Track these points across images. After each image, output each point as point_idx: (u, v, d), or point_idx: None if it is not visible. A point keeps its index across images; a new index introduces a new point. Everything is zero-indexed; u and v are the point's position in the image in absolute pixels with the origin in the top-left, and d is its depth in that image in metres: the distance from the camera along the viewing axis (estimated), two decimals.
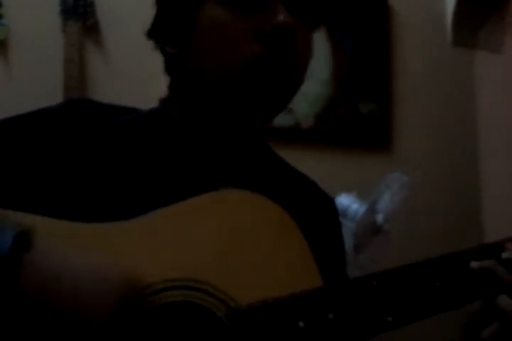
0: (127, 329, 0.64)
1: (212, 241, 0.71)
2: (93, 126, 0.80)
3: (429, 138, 2.38)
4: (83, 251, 0.66)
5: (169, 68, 0.85)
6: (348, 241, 1.83)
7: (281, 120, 2.15)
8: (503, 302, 0.74)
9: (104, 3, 2.14)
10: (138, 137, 0.81)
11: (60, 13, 2.07)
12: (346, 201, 1.92)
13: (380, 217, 1.90)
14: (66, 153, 0.77)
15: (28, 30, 2.09)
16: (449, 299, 0.73)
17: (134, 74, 2.09)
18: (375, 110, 2.32)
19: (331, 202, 0.93)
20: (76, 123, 0.80)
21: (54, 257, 0.63)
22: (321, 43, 2.21)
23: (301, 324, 0.67)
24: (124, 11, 2.17)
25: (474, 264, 0.75)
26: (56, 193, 0.75)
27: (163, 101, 0.86)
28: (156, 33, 0.83)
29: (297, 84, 0.80)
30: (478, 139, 2.38)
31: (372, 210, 1.90)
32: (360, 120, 2.30)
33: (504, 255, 0.76)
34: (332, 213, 0.91)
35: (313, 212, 0.87)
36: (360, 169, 2.26)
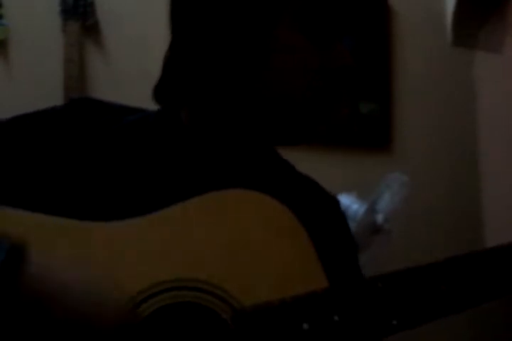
0: (133, 331, 0.64)
1: (217, 241, 0.71)
2: (99, 125, 0.80)
3: (429, 138, 2.38)
4: (82, 255, 0.67)
5: (198, 74, 0.79)
6: None
7: None
8: None
9: (104, 3, 2.15)
10: (145, 137, 0.81)
11: (60, 13, 2.08)
12: (346, 201, 1.92)
13: (380, 217, 1.90)
14: (72, 152, 0.77)
15: (28, 30, 2.09)
16: (454, 303, 0.72)
17: (134, 74, 2.09)
18: (375, 110, 2.32)
19: (335, 202, 0.92)
20: (82, 122, 0.79)
21: (53, 267, 0.63)
22: None
23: (305, 326, 0.67)
24: (124, 11, 2.18)
25: None
26: (61, 192, 0.75)
27: (172, 102, 0.85)
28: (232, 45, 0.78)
29: None
30: (478, 139, 2.38)
31: (372, 210, 1.90)
32: (360, 120, 2.30)
33: None
34: (337, 213, 0.91)
35: (318, 212, 0.86)
36: (360, 169, 2.26)
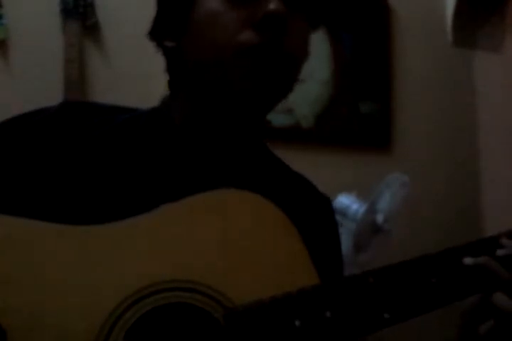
0: (125, 331, 0.64)
1: (210, 241, 0.71)
2: (90, 127, 0.80)
3: (429, 138, 2.38)
4: (80, 260, 0.67)
5: (169, 64, 0.85)
6: (348, 241, 1.83)
7: (281, 120, 2.15)
8: (499, 299, 0.73)
9: (104, 3, 2.14)
10: (137, 136, 0.81)
11: (60, 13, 2.07)
12: (346, 201, 1.92)
13: (380, 217, 1.90)
14: (63, 155, 0.77)
15: (28, 30, 2.09)
16: (445, 295, 0.73)
17: (134, 74, 2.09)
18: (375, 110, 2.32)
19: (327, 201, 0.93)
20: (72, 126, 0.79)
21: None
22: (321, 44, 2.21)
23: (297, 323, 0.67)
24: (124, 11, 2.17)
25: (468, 260, 0.74)
26: (54, 195, 0.75)
27: (164, 100, 0.86)
28: (155, 29, 0.84)
29: (292, 75, 0.80)
30: (478, 139, 2.38)
31: (372, 210, 1.90)
32: (361, 120, 2.30)
33: (499, 252, 0.75)
34: (328, 213, 0.92)
35: (310, 211, 0.87)
36: (360, 169, 2.26)
